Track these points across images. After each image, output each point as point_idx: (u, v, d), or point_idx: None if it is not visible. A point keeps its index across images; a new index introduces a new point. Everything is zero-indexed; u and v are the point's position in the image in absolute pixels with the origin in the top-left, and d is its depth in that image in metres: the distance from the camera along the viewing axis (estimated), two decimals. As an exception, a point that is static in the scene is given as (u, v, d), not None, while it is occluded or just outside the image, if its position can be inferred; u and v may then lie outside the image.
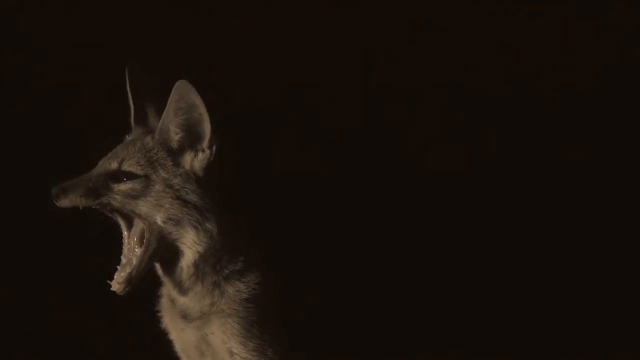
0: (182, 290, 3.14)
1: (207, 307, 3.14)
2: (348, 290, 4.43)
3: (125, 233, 3.13)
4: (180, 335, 3.20)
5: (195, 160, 3.13)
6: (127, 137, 3.26)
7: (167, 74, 3.21)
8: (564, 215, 4.67)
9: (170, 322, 3.22)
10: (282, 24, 4.72)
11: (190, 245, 3.10)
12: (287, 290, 3.24)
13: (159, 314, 3.26)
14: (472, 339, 4.53)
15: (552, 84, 4.70)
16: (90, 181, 3.10)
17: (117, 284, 3.09)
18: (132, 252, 3.11)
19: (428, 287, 4.59)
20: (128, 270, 3.09)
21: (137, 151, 3.14)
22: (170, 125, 3.13)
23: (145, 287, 3.17)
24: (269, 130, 4.68)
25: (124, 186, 3.10)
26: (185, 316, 3.15)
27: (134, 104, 3.26)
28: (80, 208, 3.09)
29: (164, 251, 3.11)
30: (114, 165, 3.12)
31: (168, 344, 3.27)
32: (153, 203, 3.09)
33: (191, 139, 3.13)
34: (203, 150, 3.13)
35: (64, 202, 3.07)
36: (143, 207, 3.09)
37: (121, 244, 3.15)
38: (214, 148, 3.12)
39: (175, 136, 3.14)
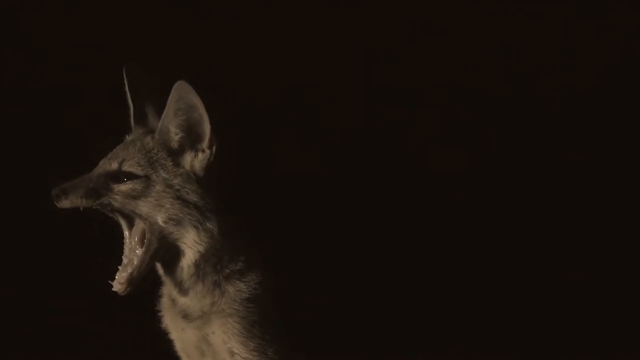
0: (183, 289, 3.14)
1: (207, 307, 3.14)
2: (348, 290, 4.43)
3: (126, 233, 3.13)
4: (180, 335, 3.20)
5: (195, 161, 3.13)
6: (127, 137, 3.26)
7: (166, 74, 3.20)
8: (564, 215, 4.67)
9: (170, 322, 3.22)
10: (282, 24, 4.72)
11: (191, 245, 3.11)
12: (287, 290, 3.24)
13: (159, 314, 3.26)
14: (472, 339, 4.53)
15: (552, 84, 4.71)
16: (91, 182, 3.09)
17: (118, 284, 3.09)
18: (133, 252, 3.11)
19: (428, 287, 4.59)
20: (129, 270, 3.09)
21: (137, 151, 3.14)
22: (170, 125, 3.13)
23: (145, 287, 3.17)
24: (269, 130, 4.68)
25: (125, 187, 3.10)
26: (185, 316, 3.15)
27: (133, 104, 3.26)
28: (81, 209, 3.09)
29: (165, 251, 3.11)
30: (114, 165, 3.12)
31: (168, 344, 3.26)
32: (154, 203, 3.09)
33: (191, 139, 3.13)
34: (203, 151, 3.13)
35: (65, 203, 3.07)
36: (144, 207, 3.09)
37: (121, 244, 3.15)
38: (214, 148, 3.12)
39: (175, 136, 3.14)
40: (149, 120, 3.27)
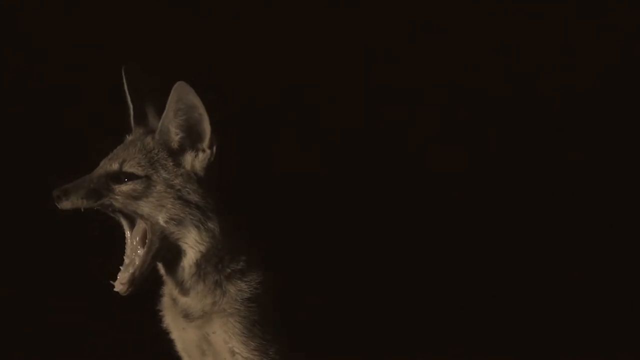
0: (184, 289, 3.15)
1: (208, 307, 3.14)
2: (348, 290, 4.43)
3: (127, 233, 3.13)
4: (181, 335, 3.20)
5: (196, 161, 3.14)
6: (127, 137, 3.26)
7: (166, 74, 3.21)
8: (564, 215, 4.67)
9: (171, 322, 3.22)
10: (282, 24, 4.72)
11: (193, 245, 3.11)
12: (288, 290, 3.24)
13: (160, 313, 3.26)
14: (472, 339, 4.53)
15: (552, 84, 4.71)
16: (92, 182, 3.10)
17: (120, 284, 3.09)
18: (134, 252, 3.11)
19: (428, 287, 4.59)
20: (131, 270, 3.09)
21: (137, 152, 3.14)
22: (170, 126, 3.14)
23: (146, 287, 3.17)
24: (269, 130, 4.68)
25: (126, 187, 3.10)
26: (186, 315, 3.15)
27: (133, 104, 3.26)
28: (82, 210, 3.09)
29: (166, 251, 3.11)
30: (115, 166, 3.12)
31: (169, 344, 3.26)
32: (155, 203, 3.09)
33: (191, 139, 3.14)
34: (204, 150, 3.13)
35: (66, 204, 3.07)
36: (145, 207, 3.09)
37: (122, 244, 3.15)
38: (214, 148, 3.13)
39: (176, 137, 3.14)
40: (149, 121, 3.27)
